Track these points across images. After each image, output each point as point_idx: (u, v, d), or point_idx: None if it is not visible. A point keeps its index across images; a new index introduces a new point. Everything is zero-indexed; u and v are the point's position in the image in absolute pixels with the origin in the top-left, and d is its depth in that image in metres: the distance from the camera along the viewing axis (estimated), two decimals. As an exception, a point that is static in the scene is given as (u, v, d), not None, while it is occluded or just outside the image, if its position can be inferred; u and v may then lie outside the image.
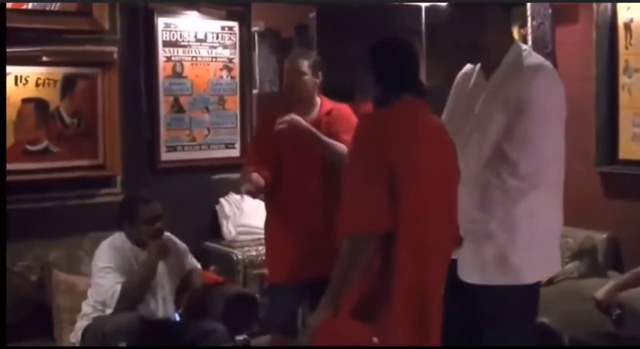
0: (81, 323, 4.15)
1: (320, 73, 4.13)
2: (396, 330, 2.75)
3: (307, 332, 2.91)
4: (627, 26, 5.01)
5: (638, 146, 4.98)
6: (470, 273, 3.13)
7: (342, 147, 3.90)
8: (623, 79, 5.06)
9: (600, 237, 4.99)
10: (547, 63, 3.20)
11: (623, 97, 5.06)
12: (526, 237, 3.06)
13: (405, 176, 2.74)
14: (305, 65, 4.09)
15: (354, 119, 4.02)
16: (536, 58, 3.19)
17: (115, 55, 5.01)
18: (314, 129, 3.99)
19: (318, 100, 4.18)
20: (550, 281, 4.77)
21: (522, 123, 3.00)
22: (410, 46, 3.03)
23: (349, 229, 2.76)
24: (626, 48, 5.03)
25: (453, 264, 3.09)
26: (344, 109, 4.16)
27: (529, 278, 3.12)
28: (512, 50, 3.15)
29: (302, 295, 4.14)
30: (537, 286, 3.20)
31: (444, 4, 5.54)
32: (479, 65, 3.26)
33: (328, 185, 3.93)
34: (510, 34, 3.34)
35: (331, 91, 4.27)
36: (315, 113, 4.13)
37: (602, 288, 4.24)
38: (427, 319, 2.83)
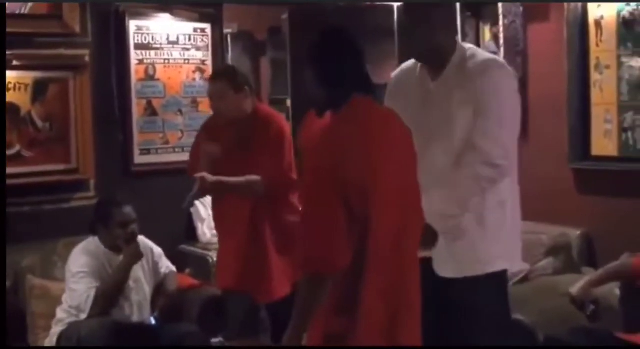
0: (56, 329, 4.13)
1: (247, 88, 4.10)
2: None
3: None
4: (598, 23, 5.04)
5: (610, 142, 5.01)
6: (445, 267, 3.18)
7: (255, 182, 3.99)
8: (594, 76, 5.08)
9: (574, 233, 5.01)
10: (496, 57, 3.36)
11: (595, 94, 5.09)
12: (496, 226, 3.17)
13: (374, 183, 2.59)
14: (223, 87, 4.08)
15: (283, 135, 4.08)
16: (484, 54, 3.31)
17: (87, 59, 4.99)
18: (222, 180, 4.01)
19: (256, 108, 4.18)
20: (525, 278, 4.80)
21: (486, 117, 3.07)
22: (350, 38, 2.77)
23: (305, 267, 2.62)
24: (597, 45, 5.06)
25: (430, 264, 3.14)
26: (273, 114, 4.21)
27: (497, 266, 3.22)
28: (458, 49, 3.23)
29: (251, 301, 4.16)
30: (505, 273, 3.30)
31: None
32: (418, 66, 3.30)
33: (259, 207, 4.05)
34: (454, 33, 3.46)
35: (304, 93, 4.26)
36: (247, 127, 4.12)
37: (576, 284, 4.25)
38: (399, 332, 2.73)
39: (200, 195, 4.16)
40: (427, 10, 3.17)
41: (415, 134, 2.98)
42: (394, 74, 3.46)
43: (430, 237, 3.04)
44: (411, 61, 3.37)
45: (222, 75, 4.16)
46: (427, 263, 3.10)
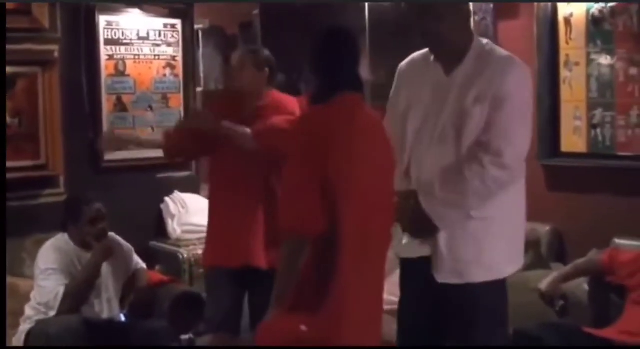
0: (24, 326, 4.10)
1: (267, 69, 4.09)
2: (340, 321, 2.76)
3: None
4: (568, 21, 5.07)
5: (579, 139, 5.04)
6: (445, 270, 3.07)
7: (247, 136, 3.90)
8: (564, 73, 5.11)
9: (543, 229, 5.03)
10: (514, 56, 3.21)
11: (564, 91, 5.12)
12: (502, 231, 3.10)
13: (344, 176, 2.73)
14: (250, 60, 4.07)
15: (292, 107, 4.03)
16: (502, 51, 3.21)
17: (56, 54, 4.96)
18: (219, 123, 3.94)
19: (267, 93, 4.15)
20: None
21: (503, 115, 3.02)
22: (351, 38, 2.94)
23: (286, 226, 2.79)
24: (567, 43, 5.09)
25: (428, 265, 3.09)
26: (286, 99, 4.13)
27: (502, 272, 3.14)
28: (475, 45, 3.16)
29: (236, 288, 4.09)
30: (505, 281, 3.19)
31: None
32: (431, 57, 3.23)
33: (262, 179, 3.97)
34: (471, 29, 3.35)
35: (276, 86, 4.26)
36: (260, 103, 4.09)
37: (545, 280, 4.29)
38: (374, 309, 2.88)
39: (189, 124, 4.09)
40: (442, 8, 3.10)
41: (425, 126, 3.07)
42: (403, 63, 3.38)
43: (427, 227, 3.03)
44: (422, 51, 3.30)
45: (249, 51, 4.17)
46: (425, 264, 3.08)
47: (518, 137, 3.07)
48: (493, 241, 3.07)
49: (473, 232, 3.05)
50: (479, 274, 3.07)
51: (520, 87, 3.09)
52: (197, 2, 5.63)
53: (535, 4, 5.16)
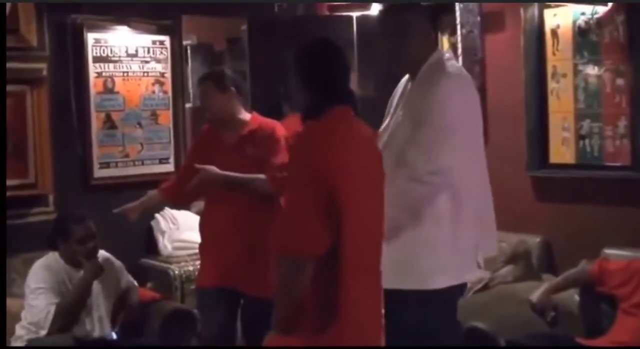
0: (15, 345, 4.07)
1: (233, 88, 4.10)
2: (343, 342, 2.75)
3: None
4: (554, 32, 5.10)
5: (568, 150, 5.07)
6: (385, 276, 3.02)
7: (262, 180, 3.96)
8: (551, 84, 5.14)
9: (533, 241, 5.05)
10: (455, 71, 3.16)
11: (552, 102, 5.15)
12: (433, 242, 3.03)
13: (344, 190, 2.68)
14: (210, 86, 4.09)
15: (279, 138, 4.06)
16: (448, 66, 3.15)
17: (45, 72, 4.96)
18: (228, 174, 3.99)
19: (246, 116, 4.16)
20: (486, 286, 4.83)
21: (421, 127, 3.01)
22: (339, 51, 2.89)
23: (286, 248, 2.70)
24: (553, 54, 5.12)
25: None
26: (270, 128, 4.13)
27: (432, 282, 3.04)
28: (430, 59, 3.15)
29: (228, 305, 4.10)
30: (444, 293, 3.07)
31: (375, 13, 5.58)
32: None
33: (253, 204, 4.01)
34: (432, 43, 3.28)
35: (264, 102, 4.27)
36: (243, 131, 4.11)
37: (536, 291, 4.31)
38: (373, 330, 2.84)
39: (201, 184, 4.07)
40: (401, 19, 3.13)
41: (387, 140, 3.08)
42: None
43: None
44: None
45: (208, 77, 4.18)
46: None
47: (438, 151, 2.99)
48: (424, 251, 3.02)
49: (405, 240, 3.03)
50: (408, 282, 3.03)
51: (441, 98, 3.02)
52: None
53: (522, 16, 5.18)
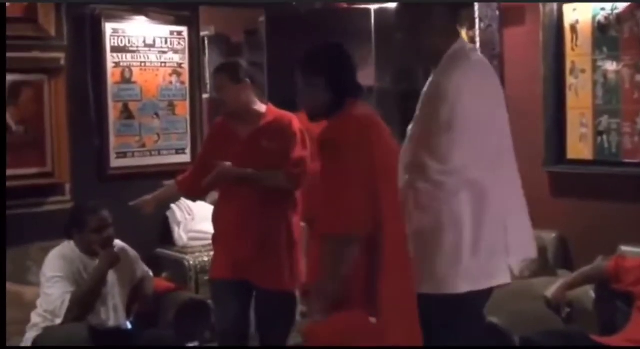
0: (30, 334, 4.09)
1: (248, 80, 4.09)
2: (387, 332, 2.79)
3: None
4: (573, 28, 5.07)
5: (585, 146, 5.04)
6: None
7: (277, 176, 3.98)
8: (570, 80, 5.11)
9: (549, 236, 5.03)
10: (477, 58, 3.00)
11: (570, 98, 5.12)
12: (451, 246, 2.83)
13: (383, 177, 2.84)
14: (225, 78, 4.08)
15: (296, 132, 4.05)
16: (469, 55, 2.97)
17: (62, 62, 4.97)
18: (244, 171, 4.00)
19: (262, 107, 4.15)
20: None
21: (428, 122, 2.87)
22: (345, 49, 3.13)
23: (332, 228, 2.80)
24: (572, 49, 5.09)
25: None
26: (287, 121, 4.09)
27: (453, 287, 2.85)
28: (450, 50, 2.95)
29: (240, 297, 4.10)
30: (468, 298, 2.88)
31: (393, 6, 5.56)
32: None
33: (267, 197, 4.01)
34: (453, 33, 3.02)
35: (280, 94, 4.26)
36: (258, 123, 4.11)
37: (551, 287, 4.29)
38: (413, 320, 2.85)
39: (217, 180, 4.08)
40: (423, 14, 2.98)
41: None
42: None
43: None
44: None
45: (223, 68, 4.18)
46: None
47: (444, 148, 2.80)
48: (442, 256, 2.83)
49: (423, 243, 2.86)
50: (428, 286, 2.85)
51: (446, 87, 2.83)
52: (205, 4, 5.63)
53: (541, 10, 5.15)
